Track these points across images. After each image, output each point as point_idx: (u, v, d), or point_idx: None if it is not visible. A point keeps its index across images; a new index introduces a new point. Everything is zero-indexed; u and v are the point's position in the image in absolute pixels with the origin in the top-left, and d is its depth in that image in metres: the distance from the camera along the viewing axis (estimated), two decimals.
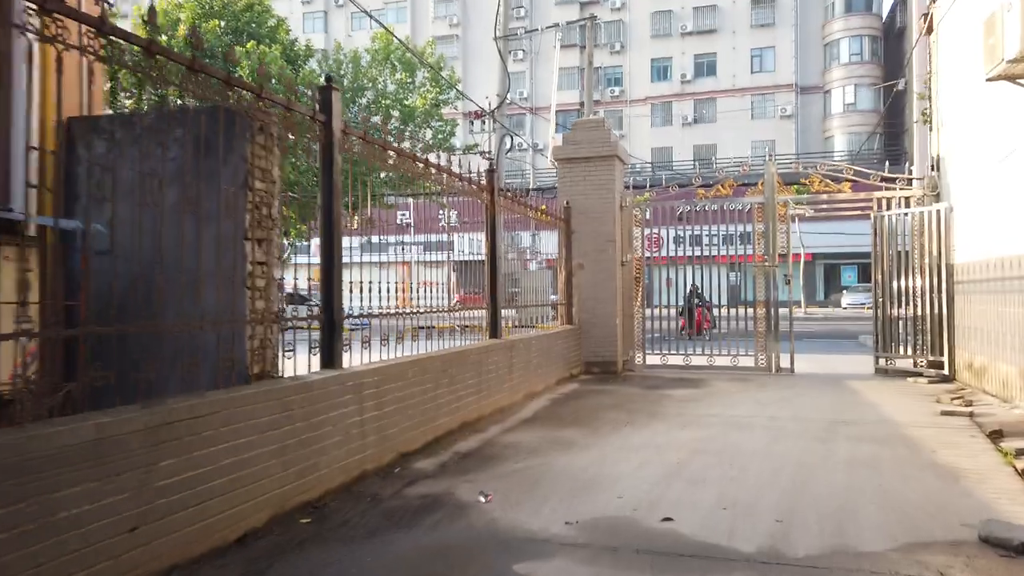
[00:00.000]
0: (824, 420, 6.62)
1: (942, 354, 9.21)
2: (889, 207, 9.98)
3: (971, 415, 6.72)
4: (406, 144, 5.75)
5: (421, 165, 6.00)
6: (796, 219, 10.85)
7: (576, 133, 10.79)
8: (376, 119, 24.10)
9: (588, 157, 10.60)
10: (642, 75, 51.13)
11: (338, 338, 4.40)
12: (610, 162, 10.57)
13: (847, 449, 5.43)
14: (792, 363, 10.26)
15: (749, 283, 10.71)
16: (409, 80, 24.47)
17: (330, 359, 4.37)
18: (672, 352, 10.85)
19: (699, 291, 15.22)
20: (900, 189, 9.99)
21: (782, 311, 10.43)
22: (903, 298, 9.67)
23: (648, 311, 11.35)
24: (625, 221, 10.98)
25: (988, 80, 6.09)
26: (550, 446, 5.60)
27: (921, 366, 9.59)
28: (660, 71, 51.03)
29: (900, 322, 9.72)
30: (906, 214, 9.71)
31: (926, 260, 9.40)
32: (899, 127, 42.70)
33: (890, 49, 46.79)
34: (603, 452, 5.38)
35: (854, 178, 10.26)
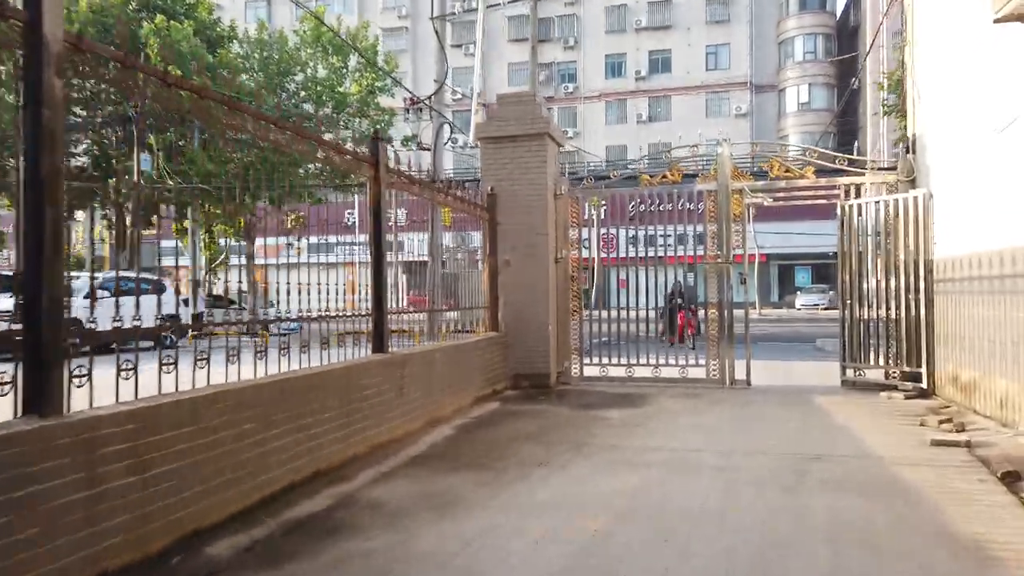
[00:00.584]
0: (790, 455, 5.22)
1: (919, 365, 7.95)
2: (858, 195, 8.71)
3: (968, 445, 5.40)
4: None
5: (270, 126, 4.42)
6: (751, 211, 9.50)
7: (502, 108, 9.29)
8: (307, 106, 22.33)
9: (515, 136, 9.11)
10: (596, 71, 50.03)
11: (54, 368, 2.80)
12: (541, 142, 9.09)
13: (826, 505, 4.01)
14: (748, 374, 8.92)
15: (700, 284, 9.35)
16: (341, 65, 22.69)
17: (41, 400, 2.77)
18: (614, 362, 9.42)
19: (682, 290, 13.32)
20: (870, 174, 8.72)
21: (737, 313, 9.10)
22: (874, 299, 8.40)
23: (603, 313, 9.94)
24: (560, 211, 9.52)
25: (997, 21, 4.77)
26: (426, 506, 4.06)
27: (894, 377, 8.33)
28: (614, 67, 50.00)
29: (870, 327, 8.44)
30: (877, 203, 8.44)
31: (900, 255, 8.13)
32: (854, 124, 42.34)
33: (844, 48, 46.50)
34: (495, 517, 3.87)
35: (818, 162, 8.97)
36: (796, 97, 46.81)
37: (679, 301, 13.16)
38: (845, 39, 46.75)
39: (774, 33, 47.82)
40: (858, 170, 8.76)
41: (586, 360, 9.63)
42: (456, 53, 45.39)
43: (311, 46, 22.46)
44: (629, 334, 9.40)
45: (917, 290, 7.92)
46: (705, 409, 7.34)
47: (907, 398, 7.74)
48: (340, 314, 5.43)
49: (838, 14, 48.41)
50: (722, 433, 6.11)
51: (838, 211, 8.77)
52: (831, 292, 39.73)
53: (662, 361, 9.24)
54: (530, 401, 8.03)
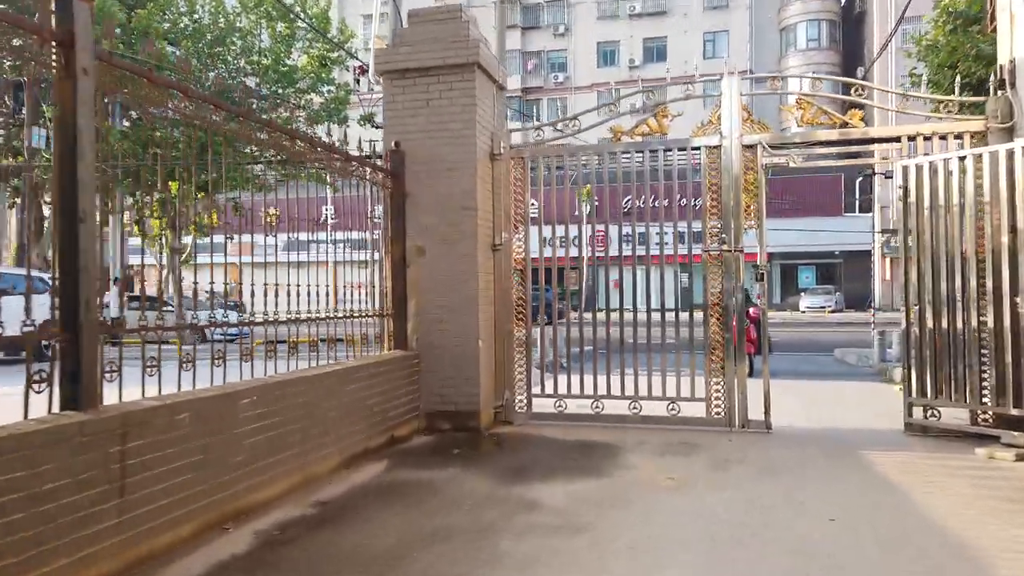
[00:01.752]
0: None
1: None
2: (928, 150, 5.94)
3: None
4: None
5: None
6: (766, 179, 6.71)
7: (414, 30, 6.47)
8: (250, 81, 19.53)
9: (431, 68, 6.32)
10: (588, 60, 47.25)
11: None
12: (467, 75, 6.29)
13: None
14: (767, 411, 6.14)
15: (697, 281, 6.59)
16: (289, 34, 19.83)
17: None
18: (576, 393, 6.62)
19: (745, 290, 8.31)
20: (947, 121, 5.96)
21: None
22: (957, 304, 5.61)
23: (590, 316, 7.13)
24: (500, 178, 6.73)
25: None
26: None
27: (986, 423, 5.57)
28: (607, 56, 47.27)
29: (951, 345, 5.64)
30: (962, 159, 5.63)
31: (1002, 239, 5.34)
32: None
33: (848, 35, 43.89)
34: None
35: (865, 102, 6.22)
36: (799, 87, 44.00)
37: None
38: (851, 26, 44.05)
39: (775, 19, 45.13)
40: (930, 115, 6.01)
41: (536, 390, 6.84)
42: None
43: (252, 11, 19.61)
44: (596, 350, 6.63)
45: None
46: (703, 482, 4.54)
47: (1020, 459, 4.96)
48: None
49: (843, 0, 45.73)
50: (737, 559, 3.31)
51: (898, 174, 6.00)
52: (837, 293, 37.10)
53: (644, 392, 6.45)
54: (436, 460, 5.22)
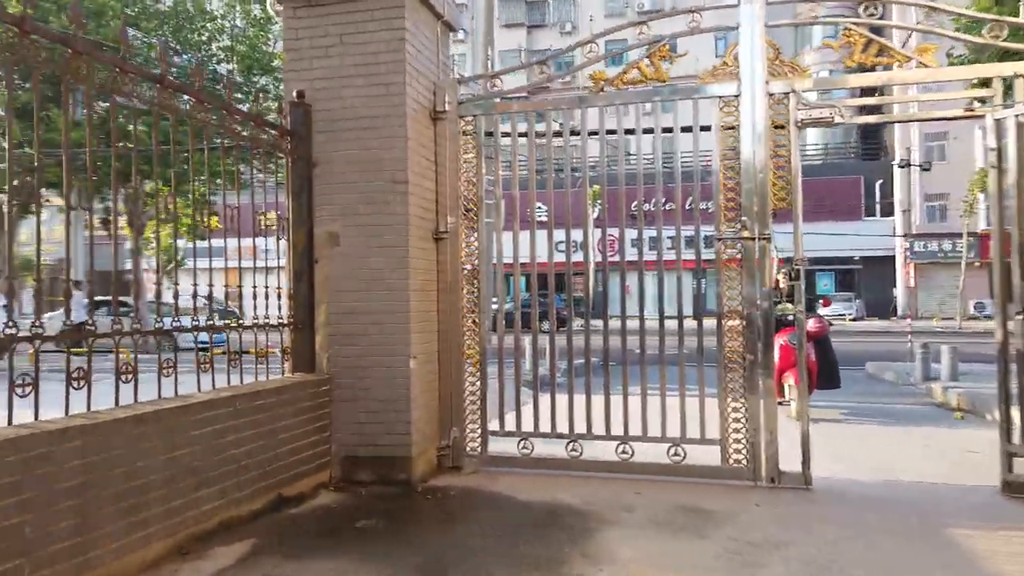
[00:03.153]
0: None
1: None
2: None
3: None
4: None
5: None
6: (795, 146, 5.00)
7: None
8: (222, 68, 18.04)
9: None
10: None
11: None
12: (395, 3, 4.65)
13: None
14: (806, 460, 4.43)
15: (710, 282, 4.93)
16: (264, 17, 18.32)
17: None
18: (546, 430, 4.94)
19: (786, 291, 6.75)
20: None
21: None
22: None
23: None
24: (447, 143, 5.07)
25: None
26: None
27: None
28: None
29: None
30: None
31: None
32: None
33: None
34: None
35: (942, 33, 4.56)
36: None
37: (787, 307, 6.43)
38: None
39: (791, 13, 43.46)
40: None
41: (495, 425, 5.15)
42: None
43: None
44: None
45: None
46: None
47: None
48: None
49: None
50: None
51: (990, 130, 4.30)
52: (858, 301, 35.25)
53: (636, 430, 4.76)
54: (325, 540, 3.55)
